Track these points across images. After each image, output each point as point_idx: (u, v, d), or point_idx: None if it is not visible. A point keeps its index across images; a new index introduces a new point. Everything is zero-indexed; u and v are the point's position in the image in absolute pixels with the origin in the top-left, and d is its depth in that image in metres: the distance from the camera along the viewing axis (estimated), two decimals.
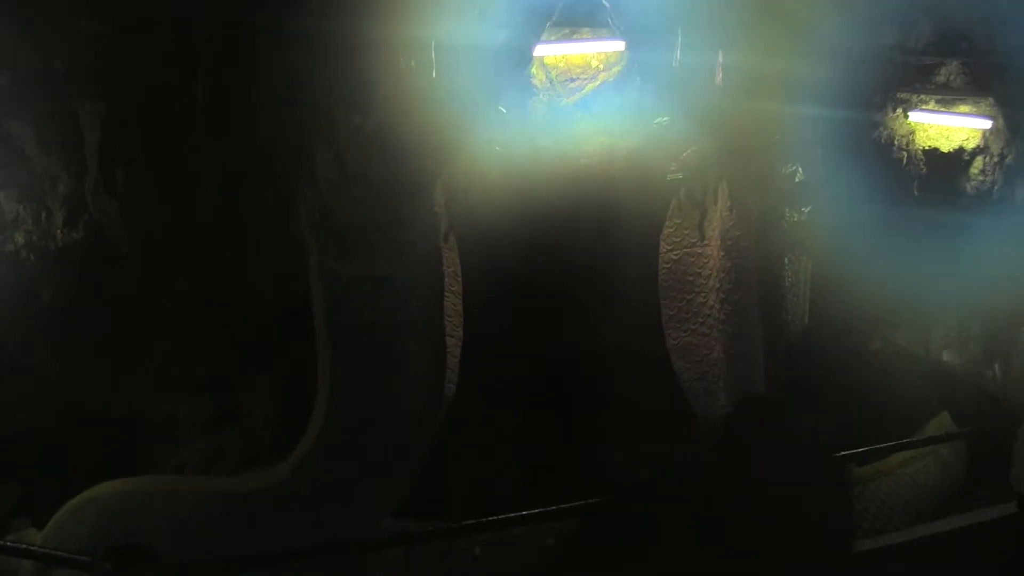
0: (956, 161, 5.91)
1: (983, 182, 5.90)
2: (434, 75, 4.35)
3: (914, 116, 5.67)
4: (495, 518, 3.95)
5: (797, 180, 5.10)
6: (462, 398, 4.96)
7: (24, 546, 4.27)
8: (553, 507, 3.90)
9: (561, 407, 5.45)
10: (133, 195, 4.77)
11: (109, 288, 4.93)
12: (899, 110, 5.67)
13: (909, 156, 5.89)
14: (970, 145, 5.84)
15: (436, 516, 4.64)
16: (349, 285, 4.52)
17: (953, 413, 6.12)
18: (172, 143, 4.71)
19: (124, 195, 4.75)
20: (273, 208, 4.75)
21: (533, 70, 4.91)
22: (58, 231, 4.91)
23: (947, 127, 5.73)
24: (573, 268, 5.39)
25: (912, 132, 5.83)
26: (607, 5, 4.68)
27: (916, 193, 5.90)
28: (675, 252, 5.48)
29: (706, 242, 5.34)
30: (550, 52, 4.86)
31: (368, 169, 4.39)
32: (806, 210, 5.20)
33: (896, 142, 5.80)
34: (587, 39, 4.83)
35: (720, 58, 4.79)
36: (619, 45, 4.81)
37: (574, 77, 5.00)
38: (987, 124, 5.64)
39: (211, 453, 4.97)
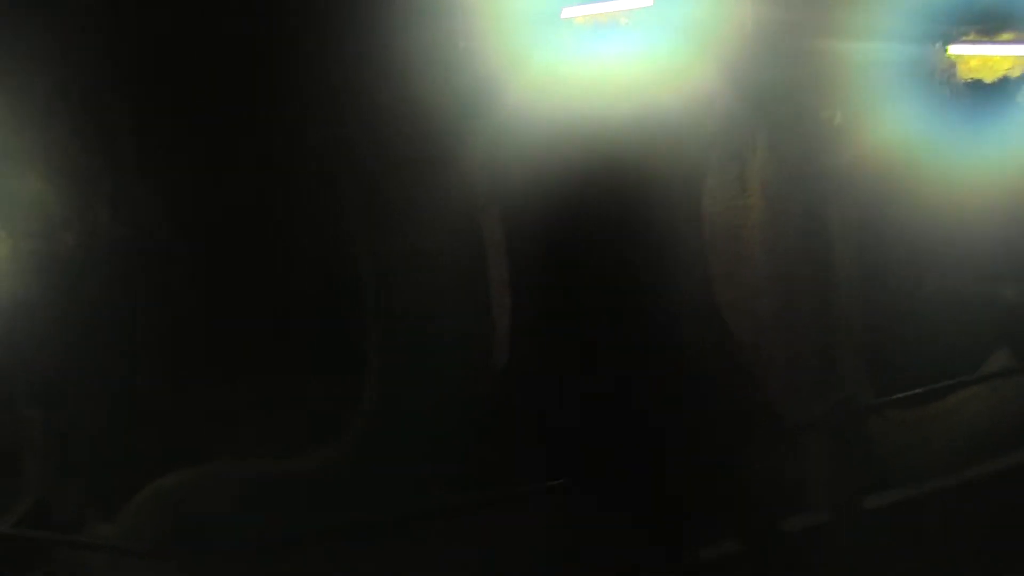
0: (1001, 91, 5.76)
1: None
2: None
3: (954, 49, 5.52)
4: None
5: (836, 124, 5.01)
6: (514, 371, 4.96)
7: (97, 541, 4.38)
8: None
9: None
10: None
11: (161, 285, 5.01)
12: (938, 44, 5.52)
13: (952, 90, 5.75)
14: (1016, 73, 5.68)
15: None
16: (393, 262, 4.55)
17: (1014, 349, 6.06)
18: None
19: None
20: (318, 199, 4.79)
21: None
22: (104, 230, 4.99)
23: (990, 57, 5.58)
24: (621, 232, 5.35)
25: (954, 65, 5.69)
26: None
27: (962, 128, 5.77)
28: (717, 207, 5.42)
29: (747, 194, 5.27)
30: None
31: None
32: (848, 154, 5.12)
33: (939, 77, 5.66)
34: None
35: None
36: None
37: None
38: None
39: (270, 438, 5.04)
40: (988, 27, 5.42)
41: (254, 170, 4.81)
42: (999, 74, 5.70)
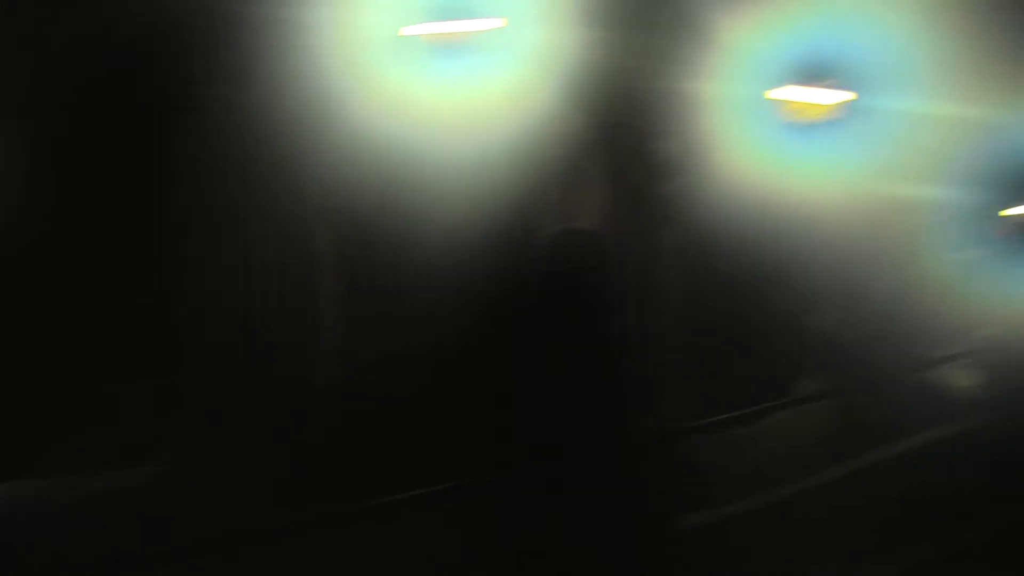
0: (822, 130, 6.17)
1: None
2: None
3: (780, 92, 5.89)
4: None
5: (669, 154, 5.22)
6: None
7: None
8: None
9: None
10: None
11: None
12: (767, 87, 5.87)
13: (779, 128, 6.10)
14: (833, 116, 6.11)
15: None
16: (219, 269, 4.44)
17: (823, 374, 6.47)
18: None
19: None
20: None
21: None
22: None
23: (808, 101, 6.00)
24: (454, 251, 5.38)
25: (781, 106, 6.06)
26: None
27: (788, 163, 6.13)
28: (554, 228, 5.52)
29: (583, 218, 5.39)
30: None
31: None
32: (680, 183, 5.34)
33: (767, 116, 6.00)
34: None
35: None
36: None
37: None
38: (846, 96, 5.96)
39: (79, 454, 4.81)
40: (809, 75, 5.78)
41: (72, 169, 4.58)
42: (819, 115, 6.12)
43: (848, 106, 6.06)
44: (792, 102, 5.97)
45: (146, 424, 4.57)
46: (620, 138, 5.12)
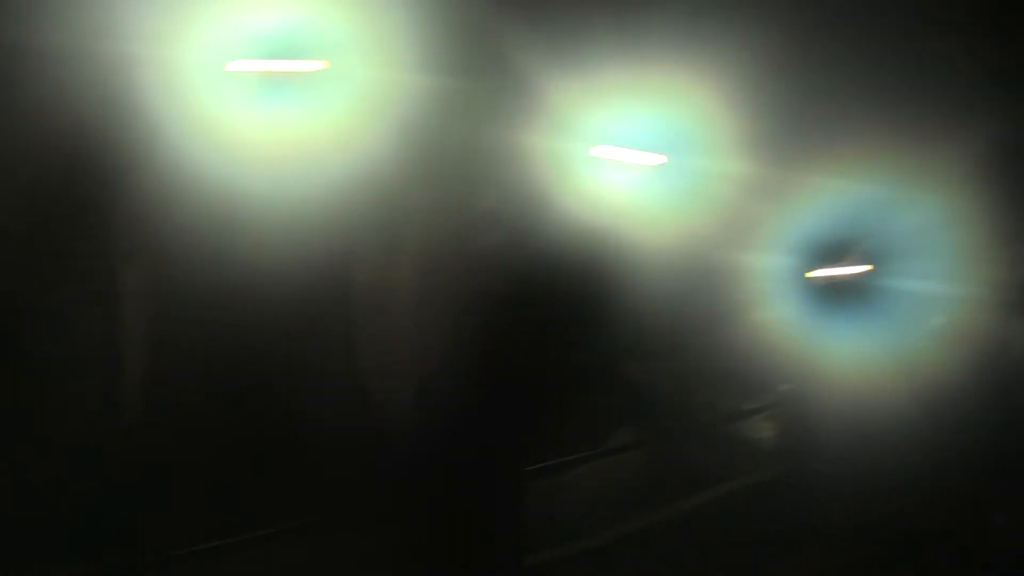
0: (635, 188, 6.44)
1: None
2: None
3: (595, 151, 6.12)
4: None
5: (486, 206, 5.30)
6: None
7: None
8: None
9: None
10: None
11: None
12: (584, 145, 6.07)
13: (597, 182, 6.31)
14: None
15: None
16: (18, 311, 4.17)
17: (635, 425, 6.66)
18: None
19: None
20: None
21: None
22: None
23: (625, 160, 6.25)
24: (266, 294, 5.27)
25: (599, 161, 6.26)
26: None
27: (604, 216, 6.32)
28: (367, 276, 5.50)
29: (400, 265, 5.40)
30: None
31: None
32: (499, 235, 5.42)
33: (583, 171, 6.19)
34: None
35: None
36: None
37: None
38: (658, 159, 6.26)
39: None
40: (627, 137, 6.05)
41: None
42: (635, 175, 6.37)
43: (662, 168, 6.33)
44: (611, 160, 6.19)
45: None
46: (440, 184, 5.16)
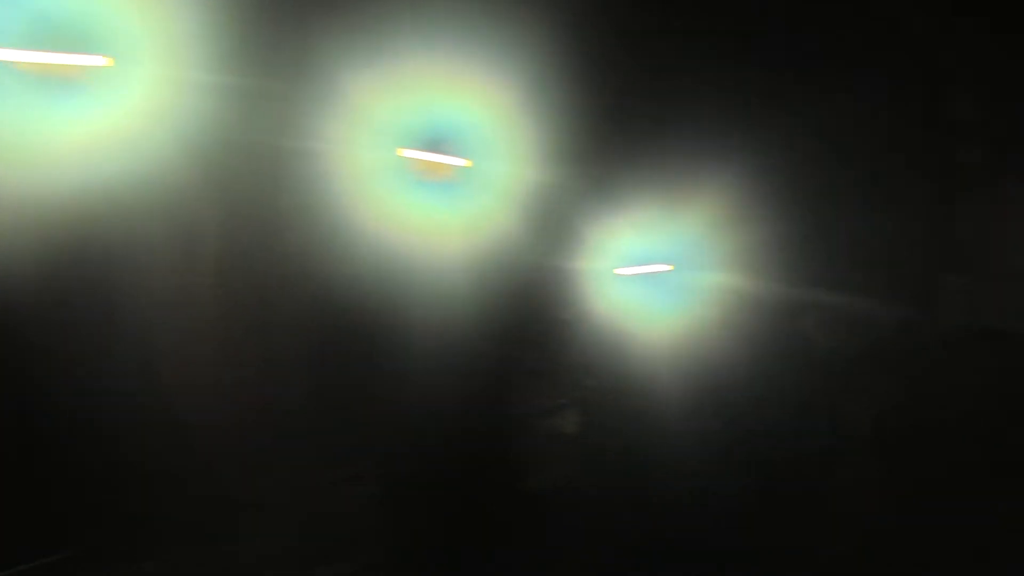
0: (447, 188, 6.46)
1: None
2: None
3: (407, 153, 6.11)
4: None
5: (289, 212, 5.21)
6: None
7: None
8: None
9: None
10: None
11: None
12: (392, 150, 6.06)
13: (409, 186, 6.30)
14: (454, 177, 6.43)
15: None
16: None
17: None
18: None
19: None
20: None
21: None
22: None
23: (433, 163, 6.25)
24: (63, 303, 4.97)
25: (410, 166, 6.27)
26: None
27: (420, 217, 6.31)
28: (164, 281, 5.28)
29: (197, 271, 5.22)
30: None
31: None
32: (298, 240, 5.33)
33: (396, 175, 6.16)
34: None
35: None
36: None
37: None
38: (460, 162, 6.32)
39: None
40: (431, 141, 6.07)
41: None
42: (443, 175, 6.40)
43: (464, 171, 6.38)
44: (416, 163, 6.19)
45: None
46: (234, 188, 5.01)
